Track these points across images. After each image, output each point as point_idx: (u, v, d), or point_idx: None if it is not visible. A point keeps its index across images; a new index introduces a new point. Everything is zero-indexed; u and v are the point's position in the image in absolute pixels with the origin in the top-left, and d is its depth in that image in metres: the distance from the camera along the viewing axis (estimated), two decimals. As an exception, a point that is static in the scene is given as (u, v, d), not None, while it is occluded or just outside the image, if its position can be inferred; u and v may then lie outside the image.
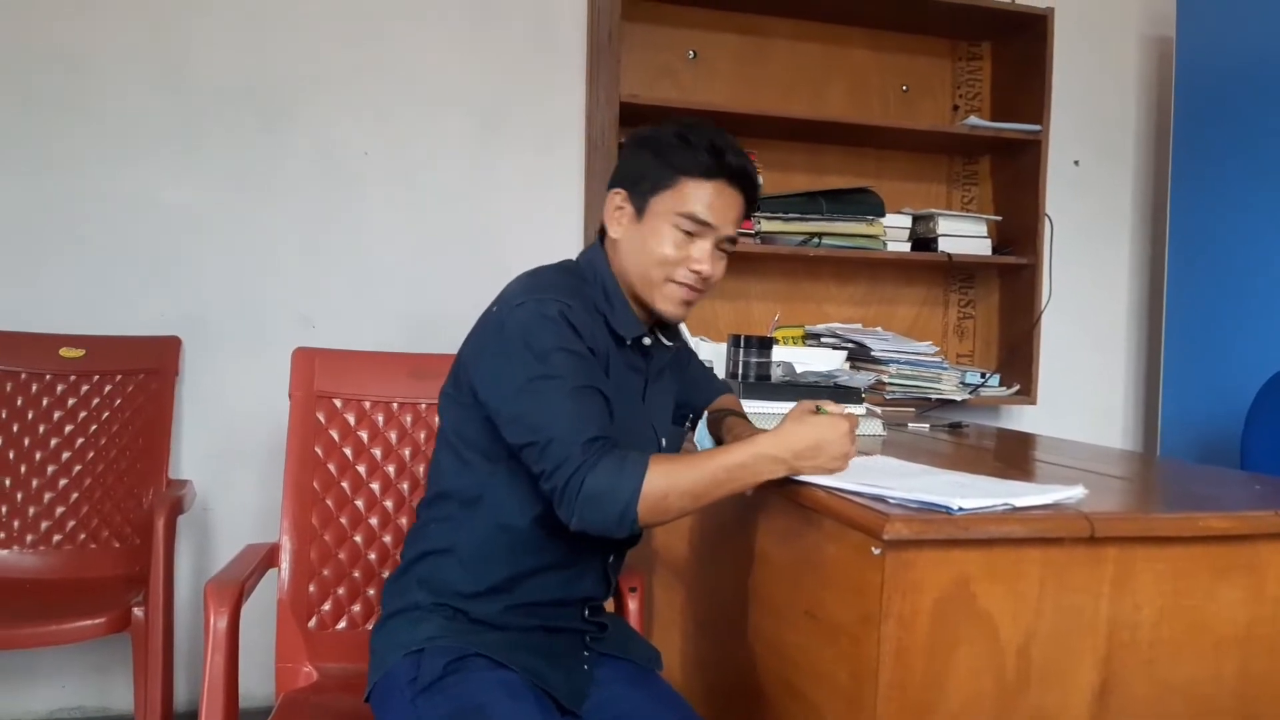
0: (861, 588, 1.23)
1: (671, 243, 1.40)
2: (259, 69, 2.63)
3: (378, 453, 1.96)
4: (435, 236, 2.76)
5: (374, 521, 1.93)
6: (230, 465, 2.63)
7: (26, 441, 2.39)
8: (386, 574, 1.89)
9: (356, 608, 1.89)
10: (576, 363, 1.33)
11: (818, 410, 1.38)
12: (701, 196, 1.40)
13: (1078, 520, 1.23)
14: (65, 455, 2.41)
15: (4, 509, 2.34)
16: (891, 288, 3.14)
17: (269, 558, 1.81)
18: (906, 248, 2.91)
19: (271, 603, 1.83)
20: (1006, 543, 1.21)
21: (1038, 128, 2.89)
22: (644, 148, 1.44)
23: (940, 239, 2.89)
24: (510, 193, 2.81)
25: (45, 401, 2.42)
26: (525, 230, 2.81)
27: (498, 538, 1.41)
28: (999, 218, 3.04)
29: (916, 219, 2.94)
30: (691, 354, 1.77)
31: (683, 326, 1.60)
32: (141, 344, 2.51)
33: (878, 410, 2.25)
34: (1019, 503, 1.25)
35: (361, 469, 1.94)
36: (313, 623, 1.85)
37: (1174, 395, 3.06)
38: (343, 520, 1.91)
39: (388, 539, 1.93)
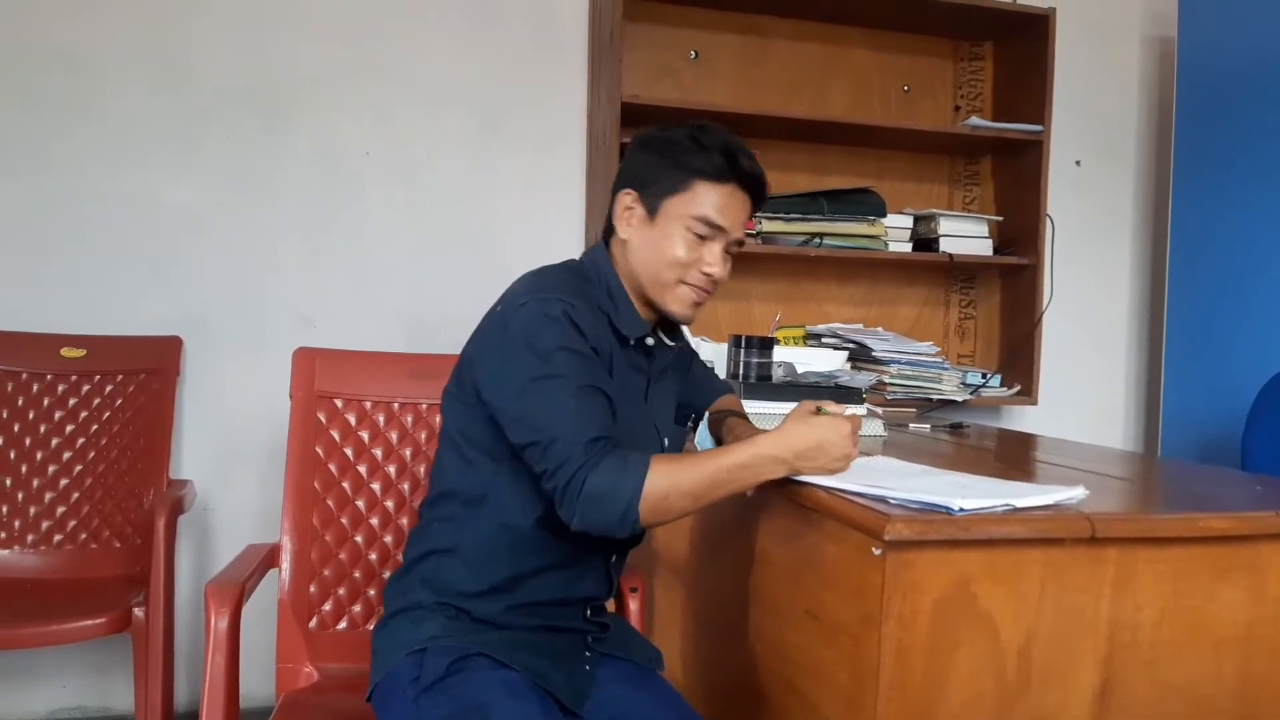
0: (862, 588, 1.23)
1: (684, 245, 1.41)
2: (259, 69, 2.63)
3: (378, 453, 1.96)
4: (435, 236, 2.76)
5: (375, 522, 1.93)
6: (231, 465, 2.63)
7: (27, 441, 2.39)
8: (387, 574, 1.89)
9: (357, 608, 1.89)
10: (579, 362, 1.33)
11: (819, 411, 1.38)
12: (715, 200, 1.40)
13: (1078, 521, 1.23)
14: (66, 455, 2.41)
15: (5, 509, 2.34)
16: (893, 288, 3.13)
17: (270, 558, 1.81)
18: (908, 248, 2.91)
19: (272, 603, 1.83)
20: (1007, 543, 1.21)
21: (1039, 128, 2.89)
22: (655, 149, 1.44)
23: (941, 239, 2.89)
24: (510, 193, 2.81)
25: (46, 401, 2.42)
26: (525, 230, 2.81)
27: (500, 537, 1.41)
28: (1000, 218, 3.04)
29: (918, 219, 2.93)
30: (693, 354, 1.77)
31: (684, 326, 1.60)
32: (142, 344, 2.51)
33: (879, 411, 2.25)
34: (1020, 503, 1.25)
35: (362, 469, 1.94)
36: (313, 623, 1.85)
37: (1175, 395, 3.06)
38: (343, 520, 1.91)
39: (388, 539, 1.93)
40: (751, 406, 1.86)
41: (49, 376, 2.43)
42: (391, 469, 1.96)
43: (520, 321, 1.35)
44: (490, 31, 2.78)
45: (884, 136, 2.97)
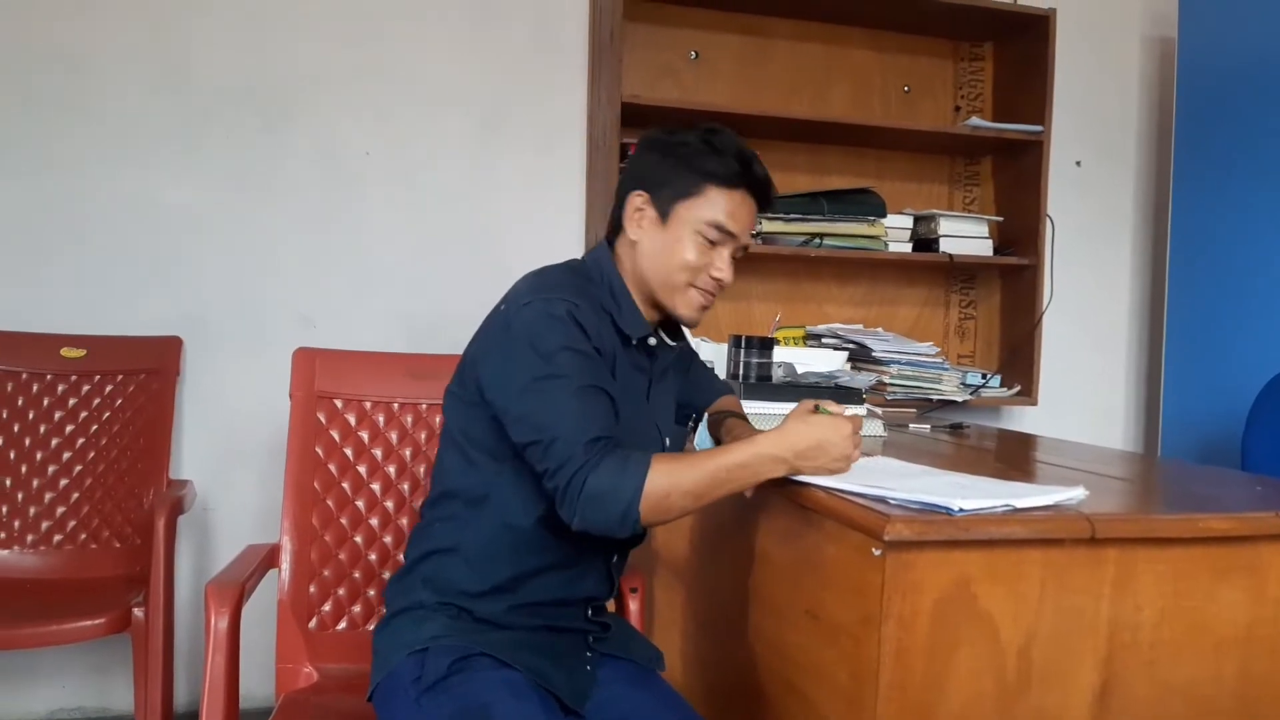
0: (862, 588, 1.23)
1: (695, 249, 1.42)
2: (259, 69, 2.63)
3: (378, 453, 1.96)
4: (435, 236, 2.76)
5: (374, 522, 1.93)
6: (231, 465, 2.63)
7: (27, 441, 2.39)
8: (387, 575, 1.89)
9: (357, 608, 1.89)
10: (582, 362, 1.33)
11: (817, 409, 1.38)
12: (727, 205, 1.42)
13: (1078, 521, 1.23)
14: (66, 455, 2.41)
15: (5, 509, 2.34)
16: (893, 288, 3.13)
17: (269, 558, 1.81)
18: (908, 248, 2.91)
19: (272, 603, 1.83)
20: (1007, 544, 1.21)
21: (1039, 128, 2.89)
22: (666, 151, 1.44)
23: (941, 240, 2.89)
24: (510, 193, 2.81)
25: (46, 401, 2.42)
26: (525, 230, 2.81)
27: (503, 537, 1.41)
28: (1000, 218, 3.04)
29: (918, 219, 2.93)
30: (694, 354, 1.77)
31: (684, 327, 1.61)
32: (142, 344, 2.51)
33: (878, 411, 2.25)
34: (1020, 504, 1.25)
35: (362, 469, 1.94)
36: (313, 623, 1.85)
37: (1175, 396, 3.06)
38: (343, 521, 1.91)
39: (388, 539, 1.93)
40: (751, 407, 1.86)
41: (49, 376, 2.43)
42: (391, 469, 1.96)
43: (524, 321, 1.35)
44: (490, 31, 2.78)
45: (884, 137, 2.97)
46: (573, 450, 1.26)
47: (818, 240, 2.77)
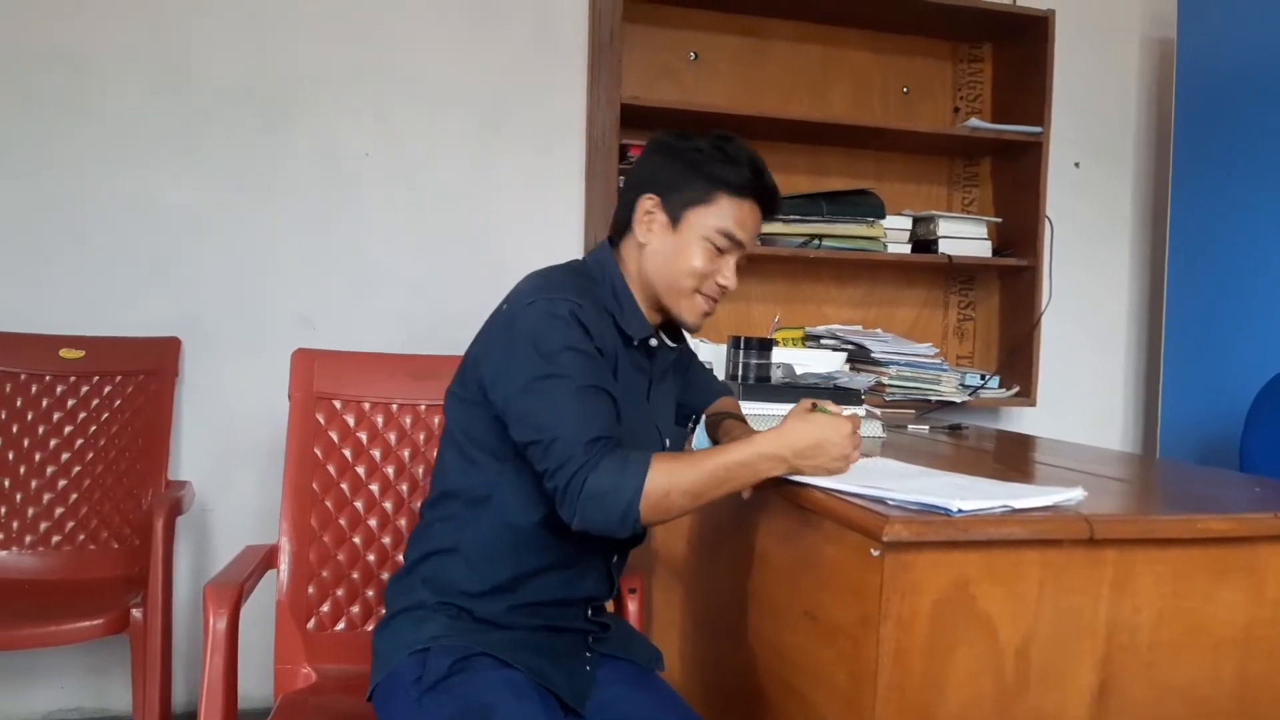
0: (861, 589, 1.23)
1: (704, 255, 1.43)
2: (259, 69, 2.63)
3: (377, 454, 1.96)
4: (435, 236, 2.76)
5: (373, 523, 1.93)
6: (229, 466, 2.63)
7: (26, 442, 2.39)
8: (385, 575, 1.89)
9: (355, 609, 1.89)
10: (584, 362, 1.33)
11: (815, 407, 1.38)
12: (737, 214, 1.43)
13: (1077, 522, 1.23)
14: (64, 456, 2.41)
15: (3, 510, 2.34)
16: (891, 289, 3.14)
17: (268, 559, 1.81)
18: (907, 249, 2.91)
19: (270, 604, 1.83)
20: (1006, 544, 1.21)
21: (1038, 129, 2.89)
22: (677, 156, 1.45)
23: (940, 241, 2.89)
24: (510, 193, 2.81)
25: (45, 402, 2.42)
26: (525, 230, 2.81)
27: (503, 537, 1.41)
28: (999, 219, 3.04)
29: (917, 221, 2.94)
30: (692, 355, 1.77)
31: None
32: (141, 345, 2.51)
33: (877, 412, 2.25)
34: (1018, 504, 1.24)
35: (361, 470, 1.94)
36: (311, 624, 1.85)
37: (1174, 397, 3.06)
38: (342, 522, 1.91)
39: (387, 540, 1.93)
40: (750, 408, 1.86)
41: (47, 377, 2.43)
42: (390, 470, 1.96)
43: (526, 321, 1.35)
44: (490, 31, 2.79)
45: (883, 138, 2.97)
46: (573, 450, 1.26)
47: (817, 241, 2.77)
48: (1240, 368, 2.71)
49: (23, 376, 2.42)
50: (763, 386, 1.99)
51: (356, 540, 1.91)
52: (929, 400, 2.79)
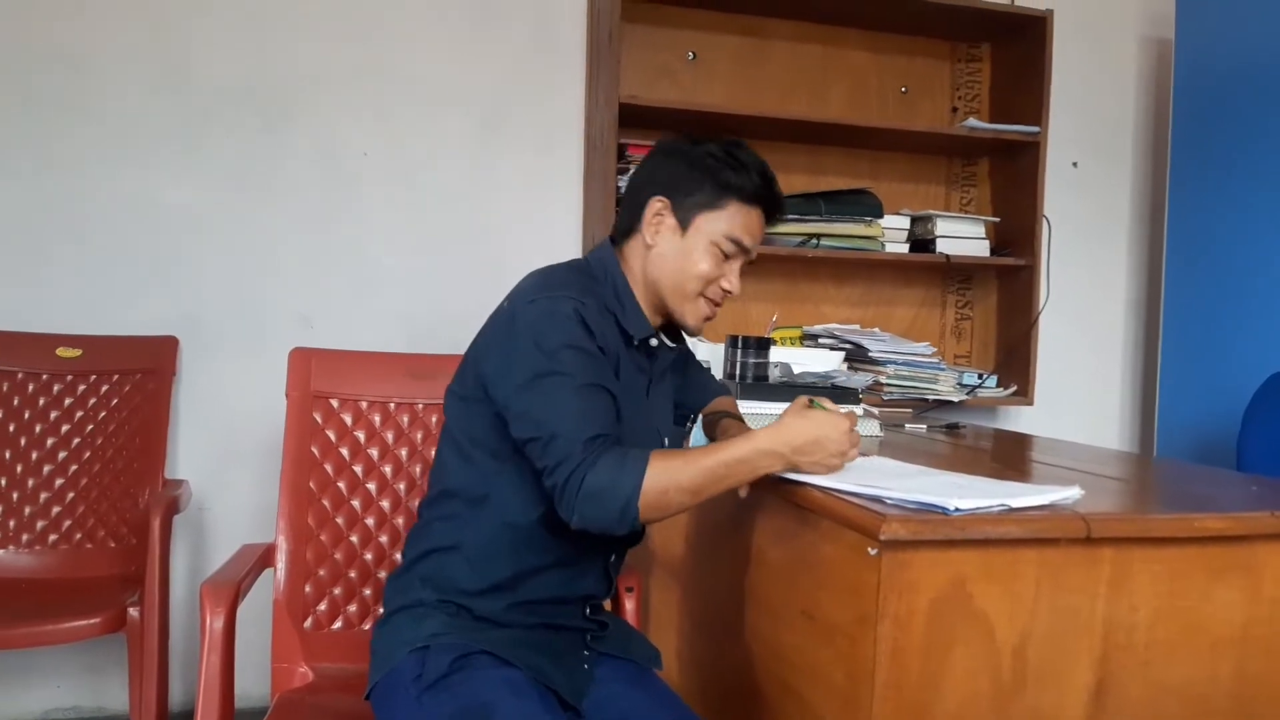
0: (858, 588, 1.23)
1: (711, 261, 1.45)
2: (259, 69, 2.63)
3: (374, 453, 1.96)
4: (435, 236, 2.76)
5: (370, 522, 1.93)
6: (227, 465, 2.63)
7: (23, 441, 2.39)
8: (383, 574, 1.89)
9: (352, 608, 1.89)
10: (585, 360, 1.33)
11: (811, 403, 1.38)
12: (744, 221, 1.45)
13: (1074, 521, 1.23)
14: (61, 455, 2.41)
15: (0, 509, 2.34)
16: (889, 289, 3.14)
17: (265, 558, 1.81)
18: (905, 249, 2.91)
19: (267, 603, 1.83)
20: (1003, 543, 1.21)
21: (1036, 129, 2.89)
22: (688, 160, 1.45)
23: (938, 240, 2.89)
24: (510, 193, 2.81)
25: (42, 401, 2.42)
26: (525, 230, 2.81)
27: (503, 535, 1.41)
28: (997, 219, 3.04)
29: (915, 220, 2.94)
30: (690, 355, 1.78)
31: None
32: (138, 344, 2.51)
33: (875, 411, 2.25)
34: (1015, 503, 1.25)
35: (358, 469, 1.94)
36: (308, 623, 1.85)
37: (1171, 396, 3.06)
38: (339, 520, 1.91)
39: (384, 539, 1.93)
40: (748, 407, 1.86)
41: (44, 376, 2.43)
42: (387, 469, 1.96)
43: (528, 318, 1.35)
44: (489, 31, 2.79)
45: (881, 138, 2.97)
46: (572, 448, 1.27)
47: (815, 241, 2.77)
48: (1237, 367, 2.72)
49: (19, 375, 2.42)
50: (760, 386, 1.99)
51: (353, 539, 1.91)
52: (926, 399, 2.80)
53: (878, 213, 2.82)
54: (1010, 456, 2.08)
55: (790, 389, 1.98)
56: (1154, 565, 1.27)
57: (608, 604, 1.62)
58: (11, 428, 2.39)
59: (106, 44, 2.53)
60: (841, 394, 2.02)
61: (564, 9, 2.83)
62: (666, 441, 1.57)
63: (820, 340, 2.84)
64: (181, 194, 2.59)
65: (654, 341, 1.51)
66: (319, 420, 1.94)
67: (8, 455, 2.37)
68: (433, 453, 1.78)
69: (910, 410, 2.81)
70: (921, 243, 2.93)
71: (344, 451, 1.94)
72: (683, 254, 1.45)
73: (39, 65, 2.50)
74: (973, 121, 2.96)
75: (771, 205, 1.48)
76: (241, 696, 1.61)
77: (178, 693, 2.48)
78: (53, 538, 2.36)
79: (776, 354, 2.14)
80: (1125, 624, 1.26)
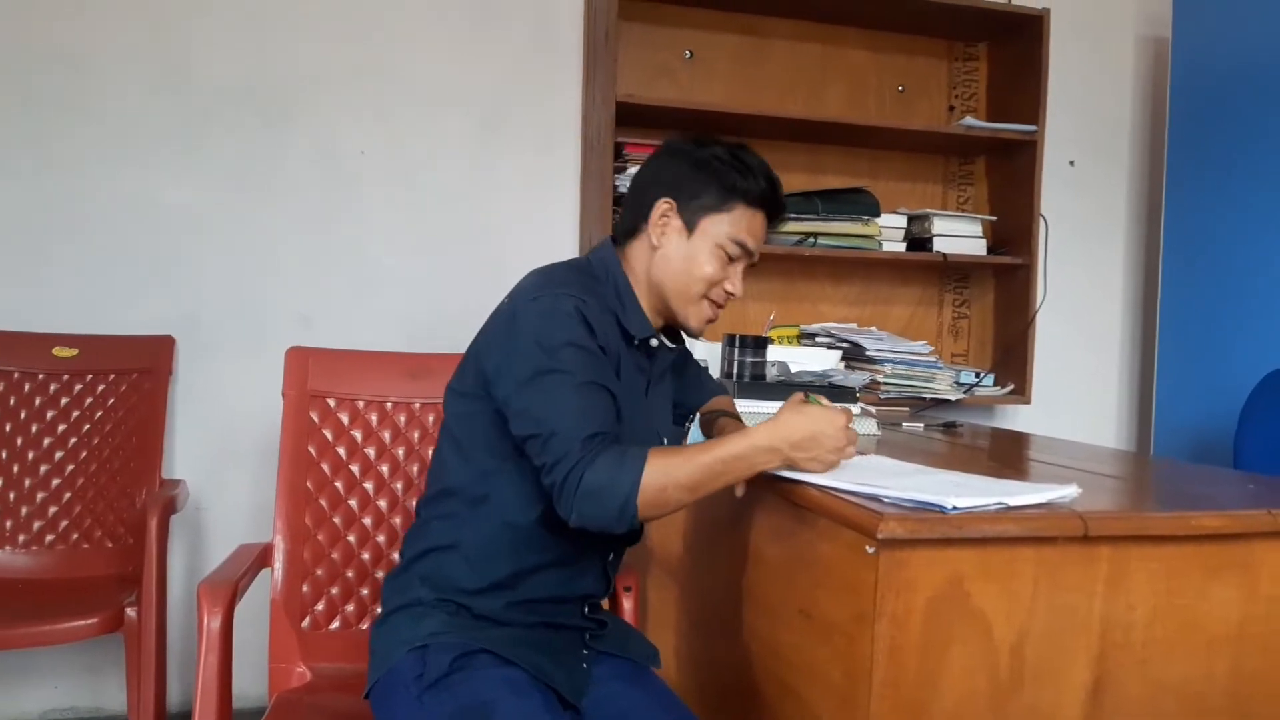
0: (855, 586, 1.23)
1: (716, 263, 1.46)
2: (259, 69, 2.63)
3: (371, 452, 1.95)
4: (435, 236, 2.76)
5: (367, 521, 1.93)
6: (224, 465, 2.63)
7: (19, 441, 2.39)
8: (380, 574, 1.89)
9: (350, 607, 1.89)
10: (586, 358, 1.33)
11: (807, 399, 1.39)
12: (749, 224, 1.47)
13: (1071, 519, 1.23)
14: (58, 455, 2.40)
15: (-2, 508, 2.34)
16: (886, 287, 3.14)
17: (262, 557, 1.81)
18: (902, 248, 2.91)
19: (265, 602, 1.83)
20: (1000, 542, 1.21)
21: (1033, 128, 2.89)
22: (694, 162, 1.46)
23: (935, 239, 2.89)
24: (510, 193, 2.81)
25: (38, 401, 2.42)
26: (525, 230, 2.81)
27: (502, 534, 1.41)
28: (994, 218, 3.05)
29: (912, 219, 2.94)
30: (688, 355, 1.78)
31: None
32: (135, 343, 2.50)
33: (872, 410, 2.25)
34: (1013, 502, 1.25)
35: (355, 468, 1.94)
36: (306, 622, 1.85)
37: (1168, 395, 3.07)
38: (336, 520, 1.91)
39: (381, 539, 1.92)
40: (745, 406, 1.86)
41: (41, 376, 2.43)
42: (384, 468, 1.95)
43: (530, 316, 1.35)
44: (489, 31, 2.78)
45: (879, 136, 2.97)
46: (570, 445, 1.27)
47: (812, 239, 2.77)
48: (1234, 365, 2.72)
49: (16, 375, 2.42)
50: (758, 385, 2.00)
51: (351, 539, 1.91)
52: (924, 398, 2.80)
53: (875, 211, 2.82)
54: (1007, 455, 2.08)
55: (788, 388, 1.98)
56: (1151, 563, 1.27)
57: (605, 603, 1.62)
58: (8, 427, 2.38)
59: (106, 44, 2.53)
60: (839, 393, 2.02)
61: (563, 8, 2.83)
62: (665, 441, 1.56)
63: (817, 339, 2.84)
64: (181, 194, 2.59)
65: (654, 342, 1.51)
66: (316, 420, 1.94)
67: (4, 455, 2.37)
68: (430, 452, 1.78)
69: (907, 409, 2.81)
70: (918, 241, 2.93)
71: (341, 451, 1.94)
72: (688, 256, 1.45)
73: (39, 65, 2.50)
74: (970, 120, 2.96)
75: (775, 209, 1.49)
76: (239, 696, 1.61)
77: (175, 693, 2.48)
78: (49, 538, 2.35)
79: (774, 353, 2.14)
80: (1123, 622, 1.26)
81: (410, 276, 2.74)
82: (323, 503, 1.90)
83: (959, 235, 2.92)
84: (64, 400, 2.43)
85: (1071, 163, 3.28)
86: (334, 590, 1.88)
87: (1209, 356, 2.91)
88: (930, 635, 1.20)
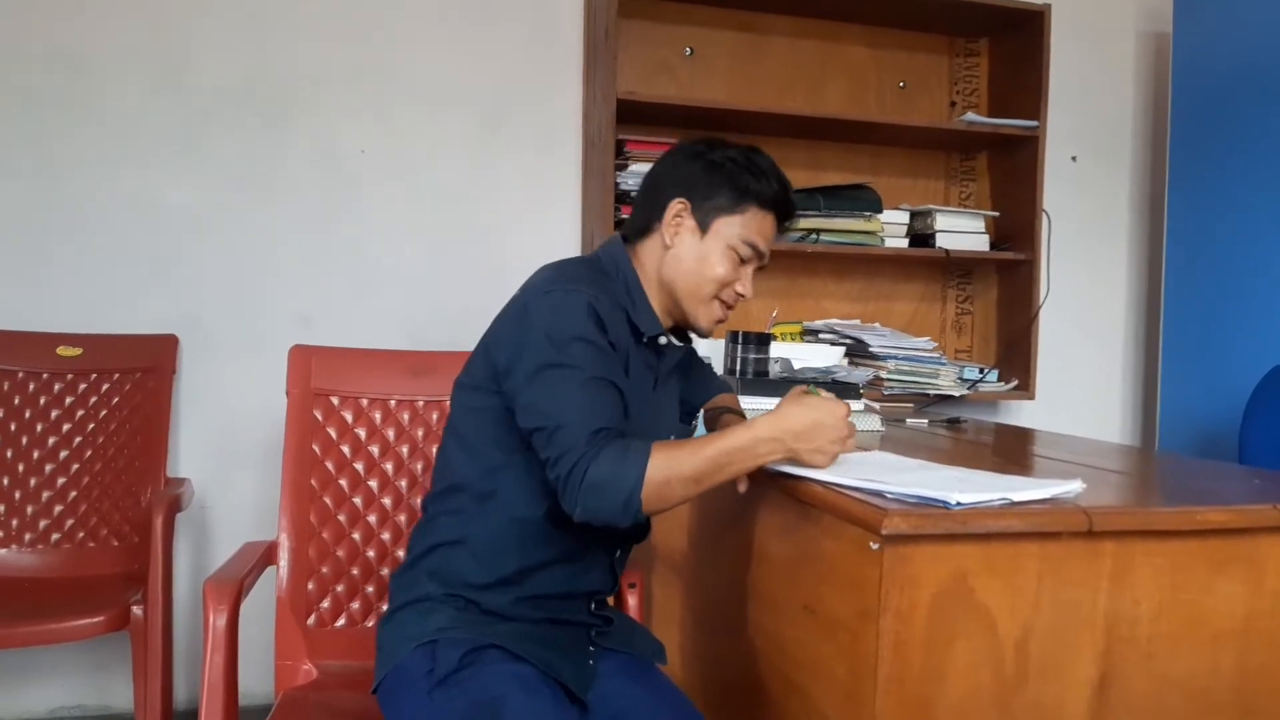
0: (860, 582, 1.23)
1: (728, 264, 1.47)
2: (259, 69, 2.63)
3: (375, 450, 1.96)
4: (435, 236, 2.76)
5: (372, 519, 1.93)
6: (229, 463, 2.63)
7: (24, 440, 2.39)
8: (385, 571, 1.90)
9: (355, 605, 1.89)
10: (594, 354, 1.33)
11: (808, 390, 1.39)
12: (760, 226, 1.48)
13: (1076, 514, 1.23)
14: (63, 454, 2.41)
15: (2, 508, 2.34)
16: (889, 284, 3.14)
17: (267, 555, 1.82)
18: (904, 244, 2.91)
19: (270, 600, 1.83)
20: (1004, 537, 1.21)
21: (1035, 124, 2.89)
22: (712, 165, 1.47)
23: (938, 235, 2.89)
24: (510, 192, 2.81)
25: (43, 400, 2.42)
26: (525, 230, 2.81)
27: (510, 530, 1.41)
28: (996, 214, 3.04)
29: (914, 215, 2.94)
30: (693, 353, 1.78)
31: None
32: (139, 342, 2.51)
33: (876, 406, 2.25)
34: (1017, 497, 1.24)
35: (359, 466, 1.94)
36: (312, 620, 1.85)
37: (1172, 390, 3.06)
38: (340, 518, 1.91)
39: (386, 536, 1.93)
40: (749, 402, 1.87)
41: (45, 375, 2.44)
42: (388, 466, 1.96)
43: (541, 310, 1.36)
44: (489, 31, 2.79)
45: (880, 133, 2.97)
46: (576, 440, 1.27)
47: (814, 236, 2.77)
48: (1238, 360, 2.72)
49: (20, 375, 2.42)
50: (761, 381, 2.00)
51: (356, 536, 1.91)
52: (927, 394, 2.80)
53: (877, 208, 2.82)
54: (1011, 451, 2.08)
55: (791, 384, 1.97)
56: (1156, 558, 1.27)
57: (611, 600, 1.62)
58: (13, 427, 2.39)
59: (106, 44, 2.53)
60: (842, 389, 2.02)
61: (562, 6, 2.83)
62: (672, 439, 1.57)
63: (820, 335, 2.84)
64: (181, 194, 2.60)
65: (663, 340, 1.52)
66: (319, 418, 1.94)
67: (9, 454, 2.38)
68: (434, 450, 1.79)
69: (911, 405, 2.81)
70: (921, 237, 2.93)
71: (345, 449, 1.94)
72: (700, 257, 1.46)
73: (39, 65, 2.50)
74: (971, 116, 2.96)
75: (786, 211, 1.50)
76: (245, 694, 1.62)
77: (182, 691, 2.49)
78: (55, 536, 2.36)
79: (777, 349, 2.14)
80: (1127, 617, 1.26)
81: (410, 276, 2.74)
82: (327, 500, 1.91)
83: (961, 231, 2.93)
84: (68, 400, 2.44)
85: (1074, 158, 3.28)
86: (339, 587, 1.89)
87: (1213, 351, 2.91)
88: (935, 631, 1.20)
